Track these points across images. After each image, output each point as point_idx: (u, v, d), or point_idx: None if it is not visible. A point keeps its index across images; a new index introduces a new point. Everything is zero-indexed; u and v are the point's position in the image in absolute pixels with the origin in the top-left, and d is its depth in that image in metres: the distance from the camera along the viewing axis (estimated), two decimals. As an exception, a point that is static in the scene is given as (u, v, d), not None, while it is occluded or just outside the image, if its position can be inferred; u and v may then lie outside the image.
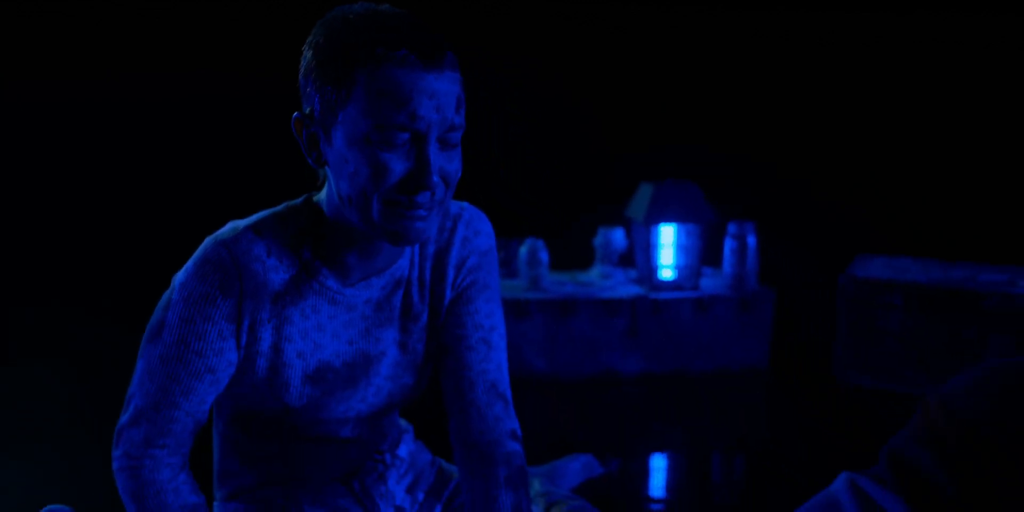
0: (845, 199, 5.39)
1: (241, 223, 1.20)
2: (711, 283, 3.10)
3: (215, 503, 1.40)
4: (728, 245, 3.03)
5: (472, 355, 1.29)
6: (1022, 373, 0.68)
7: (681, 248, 2.97)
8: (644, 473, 2.36)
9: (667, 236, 2.96)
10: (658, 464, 2.43)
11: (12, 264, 4.05)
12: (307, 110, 1.10)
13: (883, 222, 4.82)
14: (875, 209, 5.20)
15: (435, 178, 1.07)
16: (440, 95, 1.05)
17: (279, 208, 1.23)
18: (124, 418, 1.20)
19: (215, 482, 1.41)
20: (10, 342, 3.13)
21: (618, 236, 3.12)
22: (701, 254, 3.01)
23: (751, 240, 3.01)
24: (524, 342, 2.85)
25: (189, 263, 1.17)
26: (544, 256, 2.94)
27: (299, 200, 1.24)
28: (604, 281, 3.08)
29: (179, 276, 1.18)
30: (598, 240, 3.13)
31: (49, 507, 1.47)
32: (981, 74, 9.83)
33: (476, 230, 1.32)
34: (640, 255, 3.03)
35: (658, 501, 2.20)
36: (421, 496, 1.43)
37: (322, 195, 1.20)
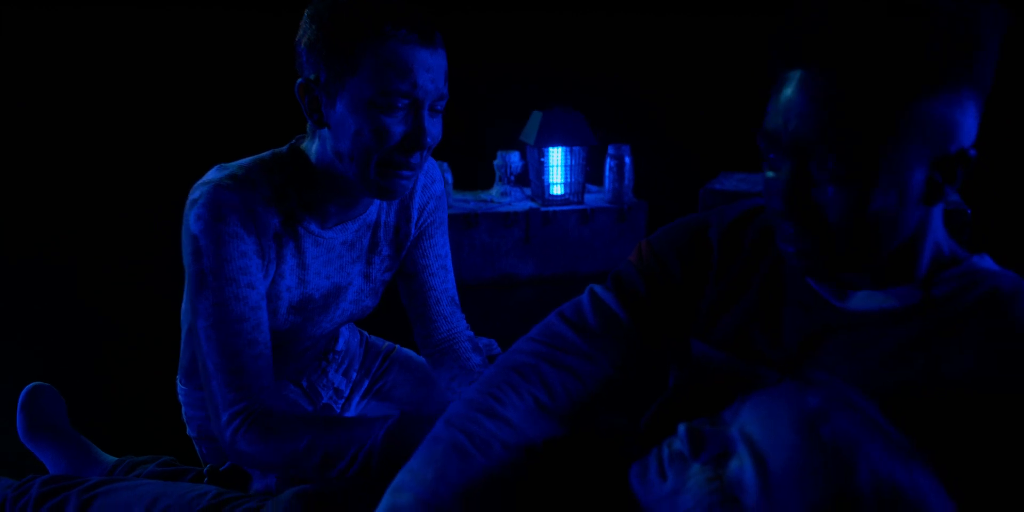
0: (716, 123, 5.89)
1: (231, 167, 1.24)
2: (594, 197, 3.56)
3: (181, 387, 1.55)
4: (608, 164, 3.48)
5: (435, 279, 1.53)
6: (698, 220, 1.07)
7: (568, 167, 3.40)
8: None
9: (556, 157, 3.38)
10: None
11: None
12: (311, 77, 1.17)
13: (750, 142, 5.34)
14: (743, 130, 5.72)
15: (428, 140, 1.18)
16: (435, 69, 1.16)
17: (266, 155, 1.28)
18: (220, 407, 1.19)
19: (182, 374, 1.54)
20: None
21: (514, 158, 3.50)
22: (585, 172, 3.45)
23: (628, 160, 3.45)
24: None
25: (200, 211, 1.18)
26: (449, 177, 3.32)
27: (284, 148, 1.30)
28: (503, 198, 3.49)
29: (195, 226, 1.19)
30: (497, 162, 3.50)
31: (32, 384, 1.73)
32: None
33: (432, 178, 1.48)
34: (533, 174, 3.46)
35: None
36: (354, 375, 1.70)
37: (309, 145, 1.27)
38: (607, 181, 3.49)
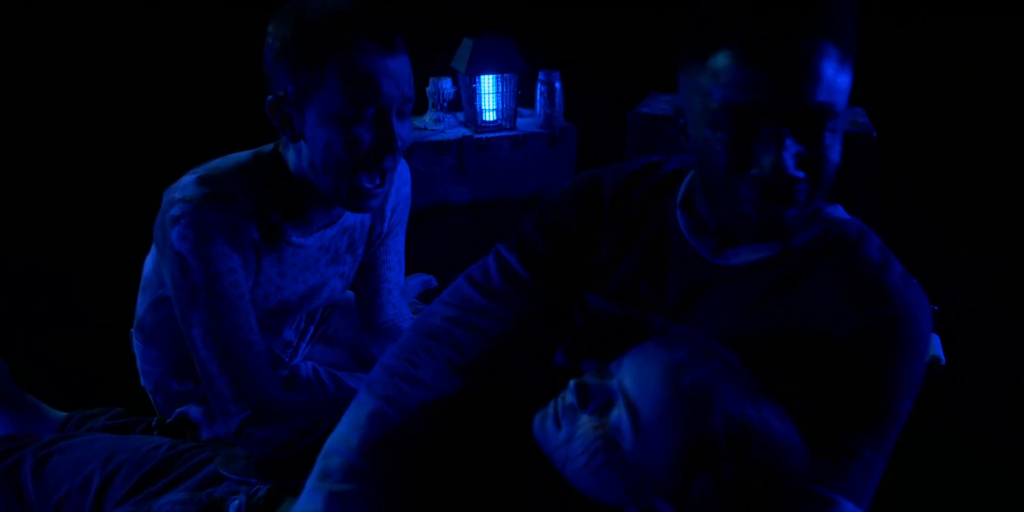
0: (644, 44, 5.89)
1: (211, 181, 1.23)
2: (526, 122, 3.63)
3: (136, 342, 1.61)
4: (539, 89, 3.53)
5: (392, 273, 1.63)
6: (594, 178, 1.15)
7: (500, 94, 3.44)
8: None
9: (488, 85, 3.41)
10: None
11: None
12: (280, 93, 1.19)
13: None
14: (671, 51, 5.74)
15: (398, 143, 1.20)
16: (398, 74, 1.17)
17: (246, 159, 1.29)
18: (229, 401, 1.24)
19: (137, 330, 1.58)
20: None
21: (446, 85, 3.52)
22: (517, 97, 3.49)
23: (558, 85, 3.51)
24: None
25: (185, 231, 1.20)
26: (382, 106, 3.34)
27: (268, 149, 1.31)
28: (436, 125, 3.54)
29: (180, 245, 1.20)
30: (429, 89, 3.52)
31: None
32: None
33: (404, 180, 1.52)
34: (465, 101, 3.50)
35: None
36: (303, 324, 1.78)
37: (287, 152, 1.29)
38: (538, 106, 3.55)
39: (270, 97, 1.20)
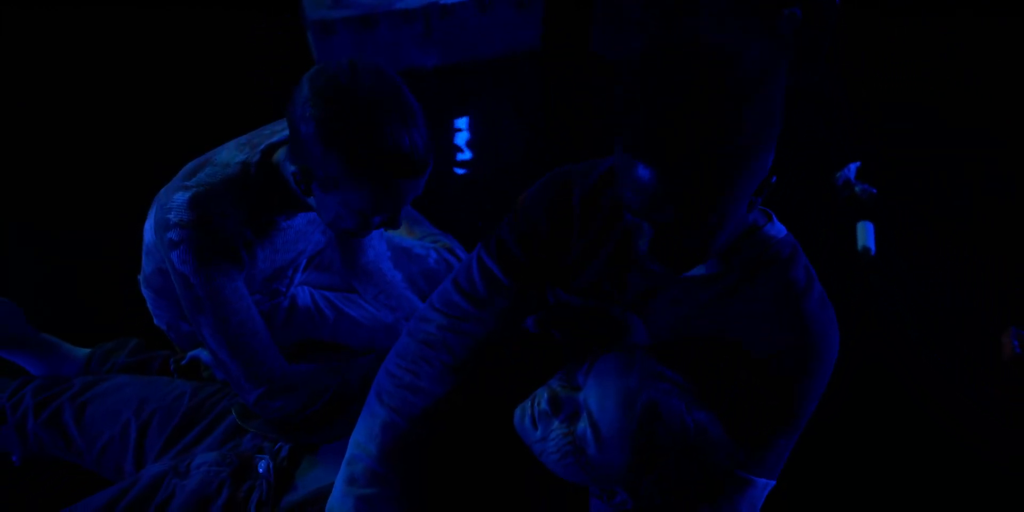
0: None
1: (202, 202, 1.29)
2: (492, -19, 3.53)
3: (145, 290, 1.73)
4: (504, -53, 3.40)
5: None
6: (563, 184, 1.25)
7: (463, -45, 3.33)
8: (449, 150, 3.06)
9: (451, -56, 3.28)
10: (460, 142, 3.13)
11: None
12: (305, 167, 1.25)
13: None
14: None
15: (400, 222, 1.33)
16: (419, 184, 1.27)
17: (235, 172, 1.34)
18: (243, 379, 1.38)
19: (144, 280, 1.68)
20: None
21: (408, -59, 3.38)
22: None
23: (524, -58, 3.38)
24: (335, 57, 3.28)
25: (185, 256, 1.29)
26: (343, -27, 3.24)
27: (256, 158, 1.35)
28: (399, -13, 3.43)
29: (181, 266, 1.30)
30: (390, -53, 3.38)
31: None
32: None
33: None
34: (428, -39, 3.37)
35: (463, 162, 2.95)
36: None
37: (286, 167, 1.33)
38: (504, -36, 3.44)
39: (293, 168, 1.26)
